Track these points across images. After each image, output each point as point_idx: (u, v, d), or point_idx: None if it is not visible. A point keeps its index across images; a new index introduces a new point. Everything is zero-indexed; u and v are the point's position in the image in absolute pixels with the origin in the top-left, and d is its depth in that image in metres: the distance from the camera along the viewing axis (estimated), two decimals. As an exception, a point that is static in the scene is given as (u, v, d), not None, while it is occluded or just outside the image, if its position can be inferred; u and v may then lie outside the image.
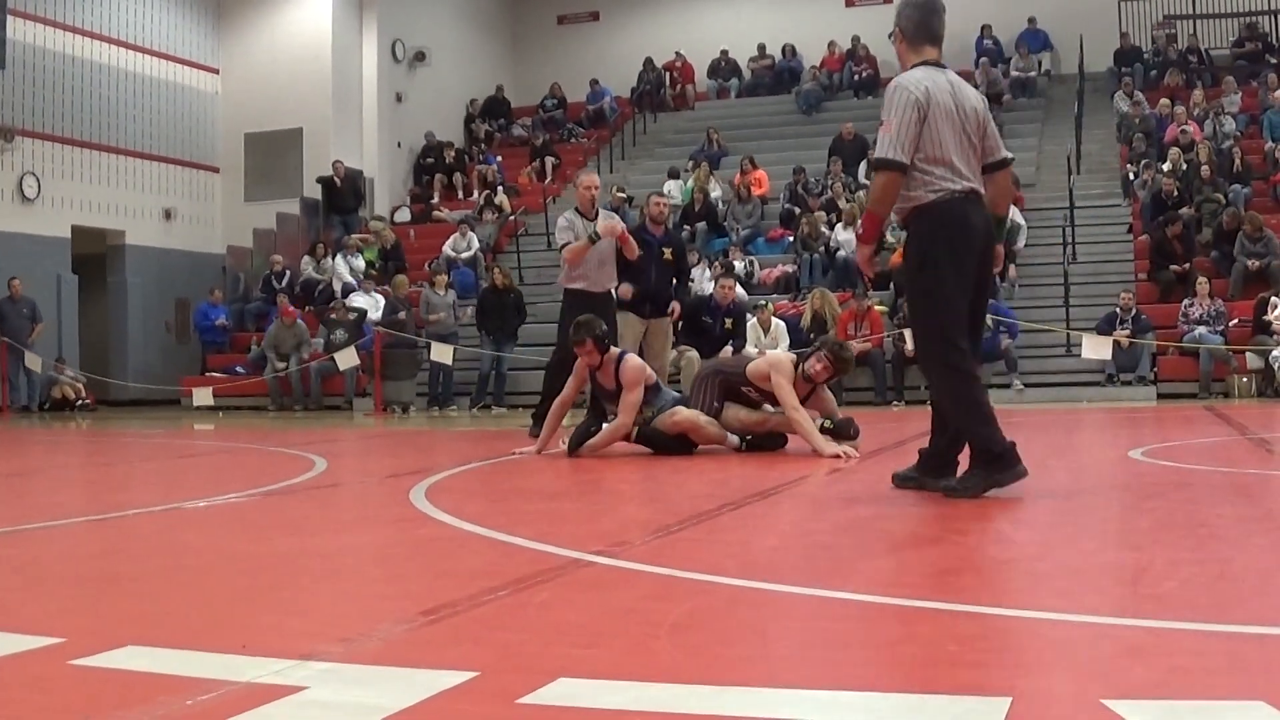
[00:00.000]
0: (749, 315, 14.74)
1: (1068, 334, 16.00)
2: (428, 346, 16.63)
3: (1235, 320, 15.73)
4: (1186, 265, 16.76)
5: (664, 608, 2.97)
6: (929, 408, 5.34)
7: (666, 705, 2.10)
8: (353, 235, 20.81)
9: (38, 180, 19.32)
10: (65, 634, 2.68)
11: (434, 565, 3.82)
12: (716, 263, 17.59)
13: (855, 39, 24.49)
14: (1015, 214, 18.43)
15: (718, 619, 2.88)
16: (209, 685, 2.25)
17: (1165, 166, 18.77)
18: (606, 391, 7.83)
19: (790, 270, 18.27)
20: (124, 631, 2.73)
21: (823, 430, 7.43)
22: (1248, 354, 15.18)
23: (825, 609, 2.98)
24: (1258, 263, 16.39)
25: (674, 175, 21.28)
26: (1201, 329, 15.52)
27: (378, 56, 23.27)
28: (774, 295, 17.43)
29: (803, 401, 7.50)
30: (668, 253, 9.78)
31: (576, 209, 9.34)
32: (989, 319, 14.93)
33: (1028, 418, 11.96)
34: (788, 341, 14.86)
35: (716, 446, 7.76)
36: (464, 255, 20.07)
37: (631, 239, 9.24)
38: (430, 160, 24.17)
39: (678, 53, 25.98)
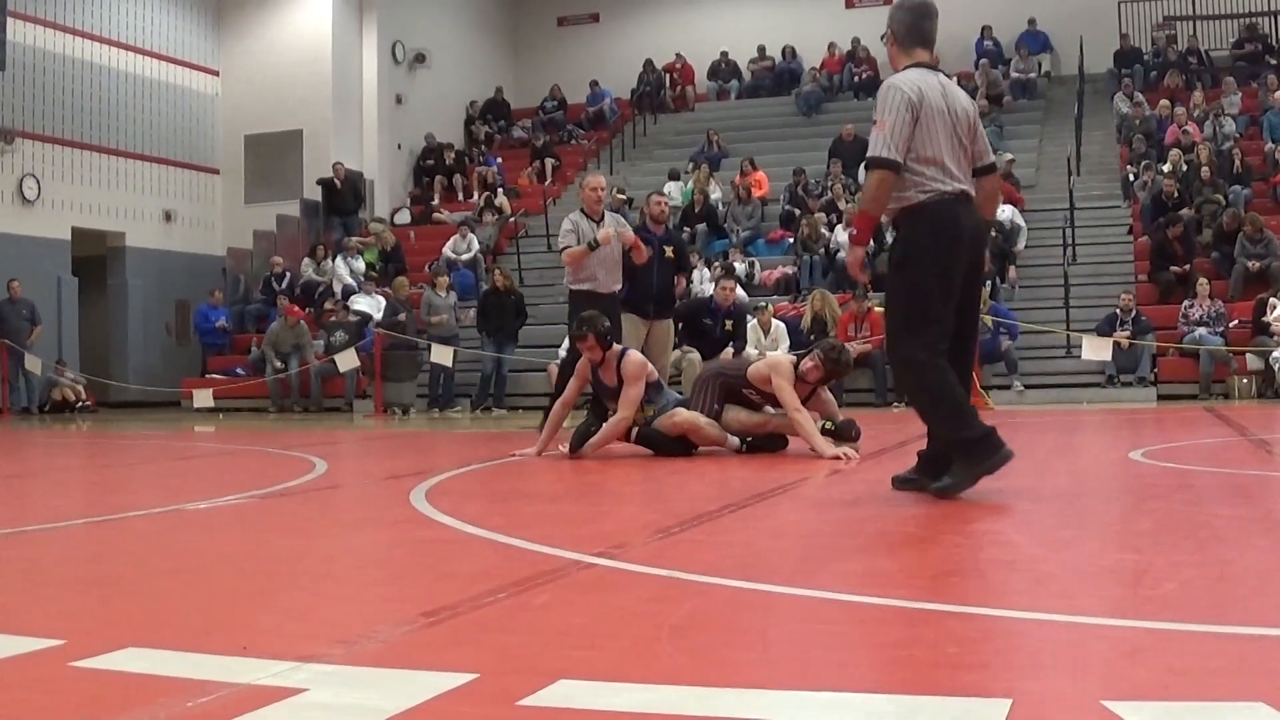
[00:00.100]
0: (749, 317, 14.74)
1: (1068, 335, 16.00)
2: (428, 348, 16.64)
3: (1235, 321, 15.74)
4: (1187, 267, 16.76)
5: (664, 609, 2.97)
6: None
7: (667, 707, 2.10)
8: (353, 237, 20.81)
9: (38, 182, 19.32)
10: (66, 636, 2.68)
11: (434, 567, 3.82)
12: (716, 264, 17.59)
13: (855, 40, 24.50)
14: (1015, 215, 18.46)
15: (718, 621, 2.88)
16: (209, 687, 2.25)
17: (1165, 168, 18.77)
18: (608, 389, 7.84)
19: (790, 272, 18.28)
20: (124, 633, 2.73)
21: (824, 432, 7.43)
22: (1248, 355, 15.19)
23: (826, 611, 2.98)
24: (1258, 264, 16.40)
25: (674, 177, 21.29)
26: (1201, 330, 15.52)
27: (378, 58, 23.28)
28: (774, 297, 17.44)
29: (803, 403, 7.51)
30: (669, 250, 9.81)
31: (582, 210, 9.35)
32: (989, 320, 15.13)
33: (1028, 419, 11.97)
34: (788, 343, 14.86)
35: (717, 448, 7.77)
36: (464, 257, 20.08)
37: (643, 246, 9.26)
38: (430, 162, 24.18)
39: (678, 54, 26.00)
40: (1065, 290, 16.53)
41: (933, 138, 4.90)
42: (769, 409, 7.79)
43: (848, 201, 18.79)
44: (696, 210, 19.83)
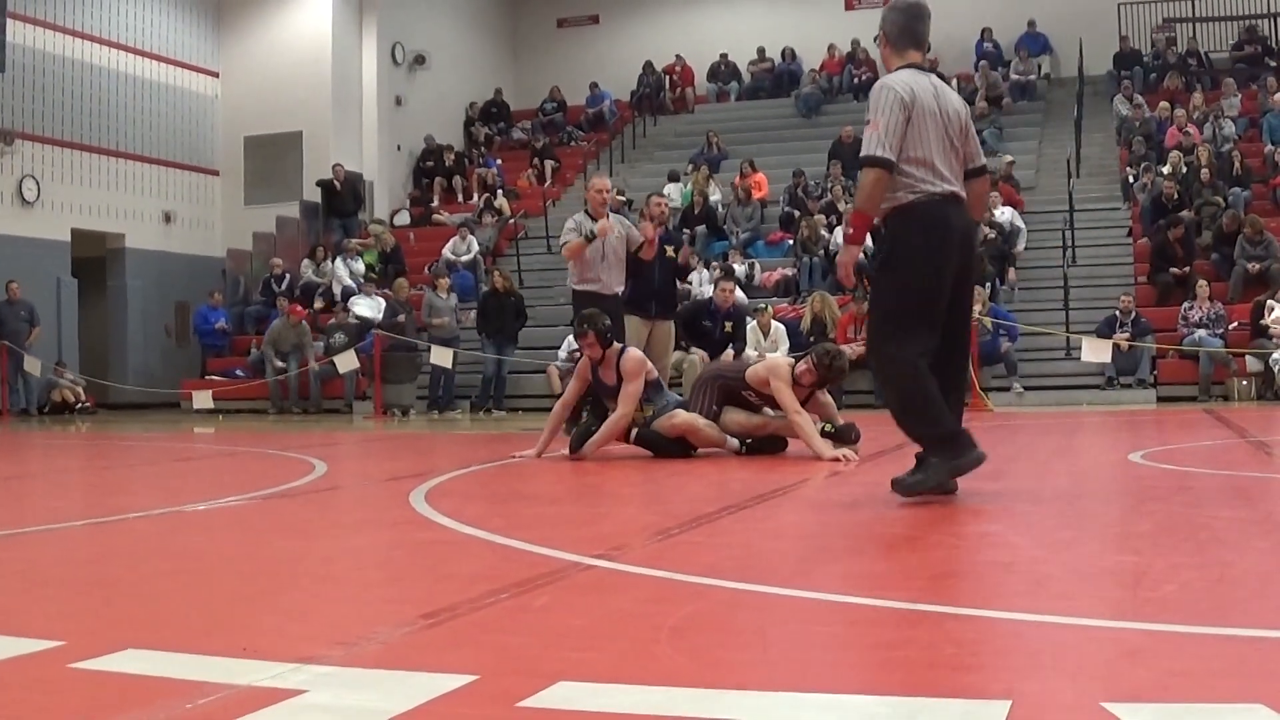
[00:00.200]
0: (749, 318, 14.75)
1: (1067, 337, 16.00)
2: (427, 350, 16.64)
3: (1235, 323, 15.74)
4: (1186, 268, 16.77)
5: (664, 611, 2.97)
6: None
7: (666, 708, 2.10)
8: (352, 239, 20.81)
9: (37, 183, 19.32)
10: (65, 637, 2.68)
11: (434, 569, 3.82)
12: (716, 265, 17.60)
13: (855, 42, 24.51)
14: (1015, 217, 18.47)
15: (717, 622, 2.88)
16: (209, 688, 2.25)
17: (1165, 169, 18.78)
18: (608, 388, 7.85)
19: (790, 273, 18.28)
20: (124, 635, 2.73)
21: (823, 435, 7.43)
22: (1247, 357, 15.19)
23: (825, 612, 2.98)
24: (1258, 265, 16.40)
25: (674, 178, 21.29)
26: (1201, 332, 15.52)
27: (377, 60, 23.28)
28: (774, 298, 17.44)
29: (801, 405, 7.51)
30: (669, 250, 9.83)
31: (586, 211, 9.36)
32: (989, 322, 15.14)
33: (1027, 421, 11.97)
34: (787, 345, 14.86)
35: (716, 449, 7.77)
36: (464, 258, 20.08)
37: (655, 239, 9.30)
38: (430, 163, 24.18)
39: (677, 56, 26.01)
40: (1065, 292, 16.53)
41: (923, 139, 4.90)
42: (768, 411, 7.80)
43: (847, 203, 18.78)
44: (696, 212, 19.83)
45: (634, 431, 7.77)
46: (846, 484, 6.04)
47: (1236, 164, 18.66)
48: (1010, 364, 15.69)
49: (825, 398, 7.84)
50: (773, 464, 7.20)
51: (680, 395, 8.49)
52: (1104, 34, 23.36)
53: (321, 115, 22.35)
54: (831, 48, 24.96)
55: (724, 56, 25.94)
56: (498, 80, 26.73)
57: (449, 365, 16.33)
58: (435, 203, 23.55)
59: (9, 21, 18.53)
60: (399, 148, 24.16)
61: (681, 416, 7.66)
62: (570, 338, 15.64)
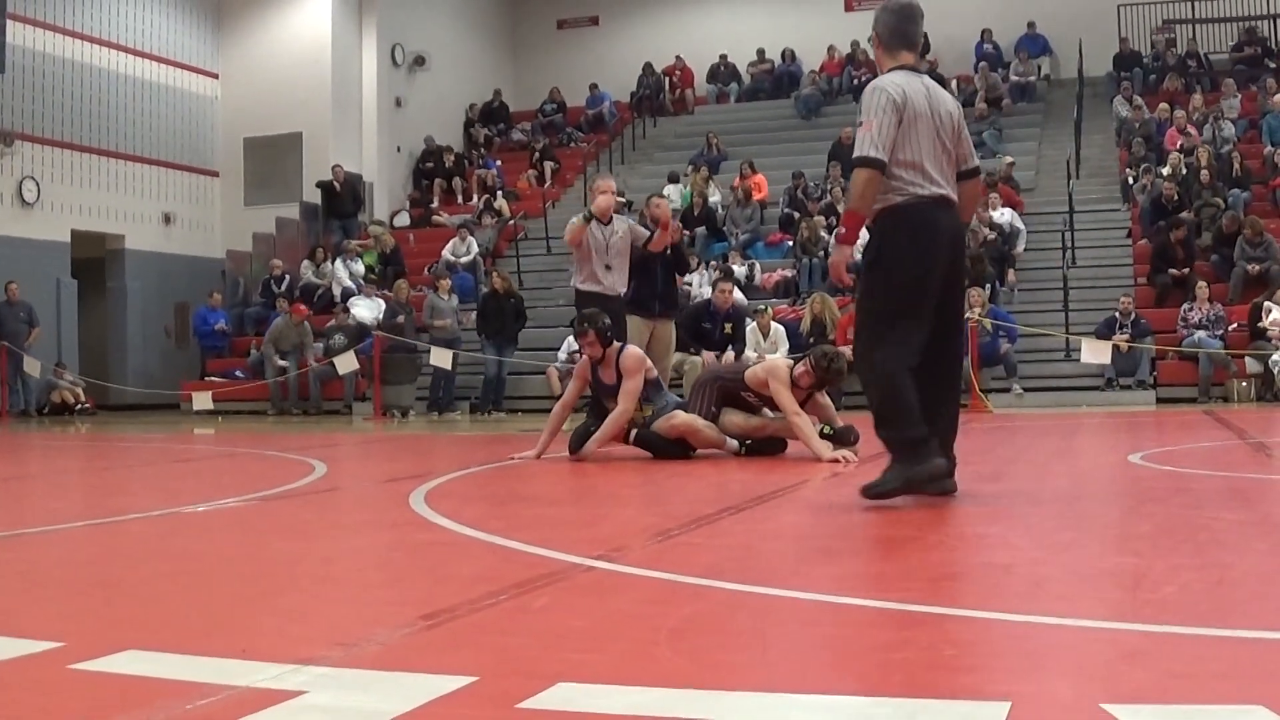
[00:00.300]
0: (748, 320, 14.75)
1: (1067, 338, 16.00)
2: (427, 351, 16.64)
3: (1234, 325, 15.74)
4: (1186, 270, 16.77)
5: (663, 612, 2.97)
6: None
7: (666, 710, 2.10)
8: (352, 240, 20.82)
9: (37, 184, 19.32)
10: (65, 638, 2.68)
11: (433, 570, 3.82)
12: (715, 266, 17.60)
13: (855, 44, 24.50)
14: (1014, 218, 18.48)
15: (717, 624, 2.88)
16: (208, 690, 2.25)
17: (1165, 171, 18.78)
18: (607, 387, 7.85)
19: (790, 274, 18.28)
20: (124, 636, 2.73)
21: (822, 436, 7.43)
22: (1247, 358, 15.19)
23: (824, 613, 2.99)
24: (1257, 267, 16.41)
25: (673, 180, 21.29)
26: (1201, 333, 15.52)
27: (377, 61, 23.28)
28: (773, 300, 17.44)
29: (800, 407, 7.51)
30: (669, 250, 9.85)
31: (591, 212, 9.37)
32: (988, 323, 15.14)
33: (1027, 422, 11.97)
34: (787, 346, 14.86)
35: (716, 451, 7.77)
36: (463, 260, 20.08)
37: (672, 225, 9.35)
38: (429, 165, 24.18)
39: (677, 57, 26.01)
40: (1064, 293, 16.53)
41: (914, 141, 4.91)
42: (767, 412, 7.80)
43: (846, 204, 18.79)
44: (695, 213, 19.83)
45: (633, 432, 7.78)
46: (846, 485, 6.04)
47: (1236, 165, 18.66)
48: (1010, 365, 15.69)
49: (824, 399, 7.84)
50: (772, 465, 7.21)
51: (680, 397, 8.48)
52: (1104, 35, 23.36)
53: (321, 116, 22.35)
54: (831, 49, 24.96)
55: (724, 58, 25.94)
56: (497, 81, 26.73)
57: (448, 366, 16.33)
58: (435, 204, 23.56)
59: (9, 22, 18.52)
60: (399, 149, 24.16)
61: (681, 417, 7.66)
62: (570, 339, 15.65)
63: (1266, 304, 15.40)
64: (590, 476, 6.95)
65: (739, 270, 17.89)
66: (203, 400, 17.31)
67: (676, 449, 7.67)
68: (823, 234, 18.33)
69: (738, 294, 14.87)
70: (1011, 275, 17.68)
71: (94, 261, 20.61)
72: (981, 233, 17.30)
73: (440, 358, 16.16)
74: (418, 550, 4.24)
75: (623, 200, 19.58)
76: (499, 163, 24.36)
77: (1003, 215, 18.29)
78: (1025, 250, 18.36)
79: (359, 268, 19.92)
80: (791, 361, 7.84)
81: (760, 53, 25.75)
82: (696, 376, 9.31)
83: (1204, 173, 18.19)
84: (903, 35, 5.18)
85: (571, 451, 7.77)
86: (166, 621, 2.99)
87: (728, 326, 13.07)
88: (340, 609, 3.20)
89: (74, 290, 19.86)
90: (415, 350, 17.24)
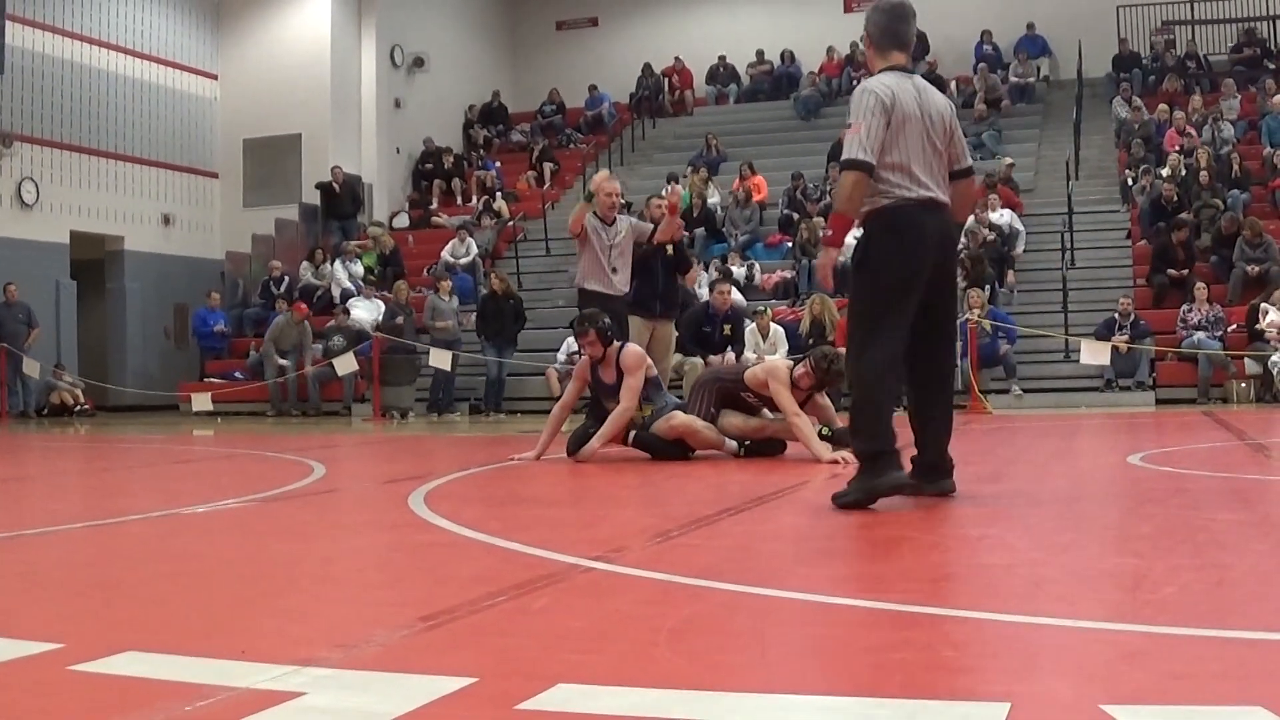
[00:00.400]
0: (747, 321, 14.75)
1: (1066, 339, 16.00)
2: (426, 352, 16.63)
3: (1234, 326, 15.74)
4: (1185, 271, 16.77)
5: (662, 613, 2.97)
6: (908, 416, 5.30)
7: (665, 710, 2.10)
8: (351, 241, 20.82)
9: (36, 185, 19.31)
10: (65, 639, 2.68)
11: (432, 571, 3.82)
12: (713, 267, 17.59)
13: (854, 45, 24.44)
14: (1014, 219, 18.48)
15: (716, 624, 2.88)
16: (208, 691, 2.25)
17: (1164, 172, 18.78)
18: (607, 387, 7.85)
19: (789, 276, 18.28)
20: (123, 637, 2.73)
21: (821, 438, 7.44)
22: (1246, 359, 15.19)
23: (823, 614, 2.99)
24: (1257, 268, 16.41)
25: (672, 181, 21.26)
26: (1200, 334, 15.52)
27: (376, 62, 23.28)
28: (772, 301, 17.44)
29: (800, 408, 7.51)
30: (669, 249, 9.87)
31: (594, 213, 9.38)
32: (988, 324, 15.14)
33: (1026, 423, 11.97)
34: (786, 347, 14.85)
35: (715, 452, 7.77)
36: (462, 261, 20.07)
37: (678, 218, 9.38)
38: (429, 166, 24.18)
39: (676, 58, 26.01)
40: (1064, 294, 16.53)
41: (902, 143, 4.90)
42: (766, 413, 7.80)
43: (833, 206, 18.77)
44: (695, 214, 19.83)
45: (632, 434, 7.77)
46: (845, 486, 6.04)
47: (1235, 166, 18.66)
48: (1009, 366, 15.69)
49: (824, 400, 7.84)
50: (771, 466, 7.21)
51: (679, 399, 8.48)
52: (1103, 36, 23.36)
53: (320, 118, 22.35)
54: (830, 50, 24.95)
55: (723, 59, 25.94)
56: (496, 83, 26.73)
57: (447, 368, 16.33)
58: (434, 205, 23.56)
59: (8, 23, 18.52)
60: (398, 150, 24.16)
61: (679, 418, 7.66)
62: (569, 340, 15.64)
63: (1263, 305, 15.40)
64: (589, 477, 6.95)
65: (738, 271, 17.89)
66: (202, 401, 17.31)
67: (675, 450, 7.67)
68: (821, 235, 18.33)
69: (736, 295, 14.88)
70: (1011, 276, 17.69)
71: (93, 263, 20.61)
72: (981, 234, 17.30)
73: (439, 359, 16.16)
74: (417, 551, 4.24)
75: (621, 201, 19.66)
76: (498, 164, 24.36)
77: (1002, 216, 18.29)
78: (1024, 251, 18.37)
79: (358, 269, 19.92)
80: (791, 363, 7.84)
81: (759, 54, 25.76)
82: (696, 377, 9.31)
83: (1203, 174, 18.19)
84: (894, 35, 5.17)
85: (570, 453, 7.77)
86: (166, 623, 2.99)
87: (726, 328, 13.07)
88: (340, 610, 3.20)
89: (73, 291, 19.86)
90: (414, 351, 17.24)
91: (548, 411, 9.69)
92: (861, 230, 5.09)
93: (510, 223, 22.09)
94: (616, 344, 7.85)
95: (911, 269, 4.88)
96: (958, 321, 5.77)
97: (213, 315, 19.87)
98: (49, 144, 19.64)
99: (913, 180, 4.91)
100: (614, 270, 9.11)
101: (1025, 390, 15.63)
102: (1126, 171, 19.92)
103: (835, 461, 7.00)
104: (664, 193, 9.84)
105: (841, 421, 7.82)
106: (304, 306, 18.44)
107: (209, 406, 17.23)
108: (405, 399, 16.92)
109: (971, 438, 9.72)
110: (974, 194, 5.56)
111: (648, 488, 6.44)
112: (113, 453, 10.92)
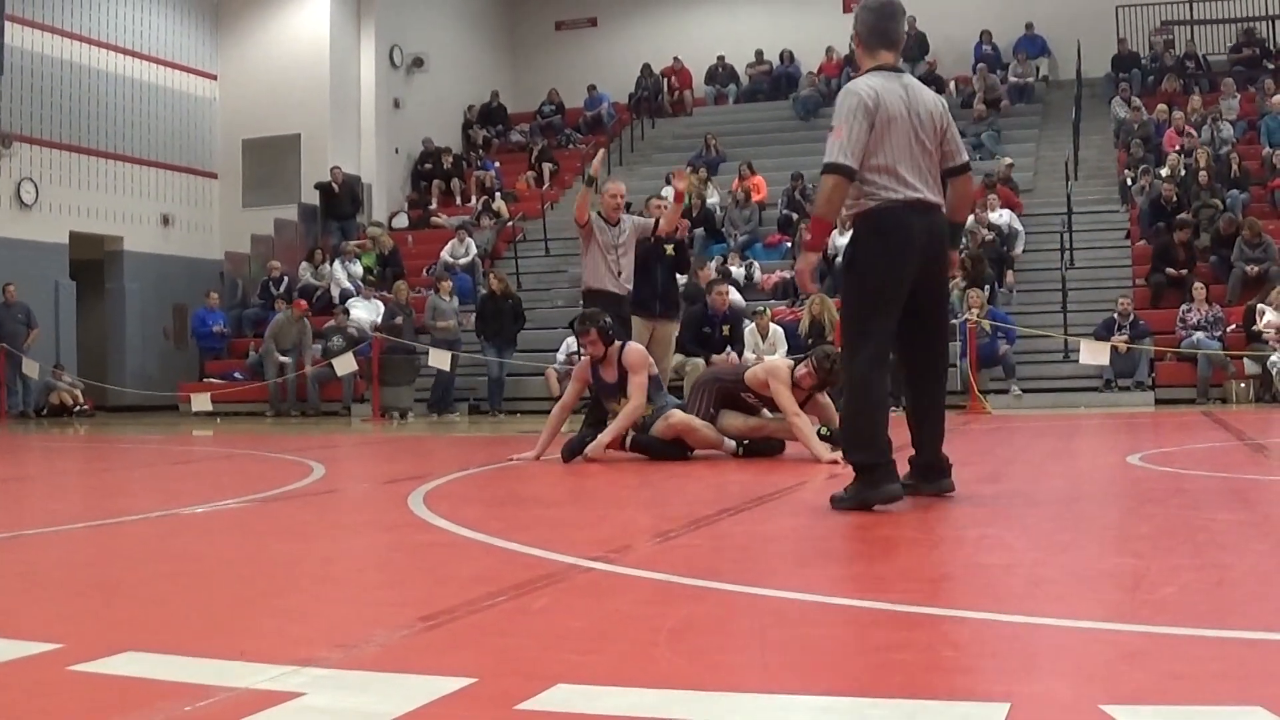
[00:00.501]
0: (747, 321, 14.76)
1: (1065, 339, 16.00)
2: (425, 352, 16.63)
3: (1233, 326, 15.74)
4: (1185, 271, 16.77)
5: (662, 613, 2.97)
6: (906, 415, 5.30)
7: (665, 711, 2.10)
8: (350, 241, 20.82)
9: (35, 186, 19.31)
10: (64, 640, 2.68)
11: (432, 571, 3.82)
12: (712, 266, 17.59)
13: (853, 45, 24.48)
14: (1013, 220, 18.48)
15: (716, 624, 2.88)
16: (207, 691, 2.25)
17: (1164, 172, 18.78)
18: (609, 386, 7.85)
19: (788, 276, 18.25)
20: (123, 637, 2.73)
21: (821, 438, 7.44)
22: (1245, 359, 15.19)
23: (823, 614, 2.99)
24: (1256, 268, 16.41)
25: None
26: (1199, 334, 15.52)
27: (375, 62, 23.28)
28: (772, 301, 17.44)
29: (799, 408, 7.51)
30: (669, 250, 9.87)
31: (599, 213, 9.39)
32: (987, 325, 15.14)
33: (1025, 423, 11.97)
34: (786, 348, 14.86)
35: (714, 452, 7.77)
36: (462, 261, 20.07)
37: (678, 219, 9.48)
38: (428, 166, 24.17)
39: (675, 58, 26.00)
40: (1063, 294, 16.54)
41: (886, 145, 4.88)
42: (766, 413, 7.80)
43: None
44: (694, 214, 19.81)
45: (629, 437, 7.75)
46: (844, 487, 6.04)
47: (1234, 166, 18.65)
48: (1008, 366, 15.69)
49: (824, 399, 7.85)
50: (770, 467, 7.21)
51: (679, 399, 8.48)
52: (1102, 36, 23.37)
53: (319, 118, 22.34)
54: (829, 50, 24.93)
55: (721, 59, 25.94)
56: (496, 83, 26.73)
57: (448, 368, 16.33)
58: (433, 205, 23.55)
59: (7, 24, 18.51)
60: (397, 150, 24.15)
61: (677, 416, 7.66)
62: (569, 340, 15.65)
63: (1259, 306, 15.40)
64: (589, 478, 6.95)
65: (737, 272, 17.88)
66: (201, 402, 17.31)
67: (674, 450, 7.66)
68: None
69: (735, 295, 14.88)
70: (1010, 276, 17.69)
71: (92, 263, 20.60)
72: (980, 234, 17.30)
73: (439, 359, 16.15)
74: (417, 551, 4.24)
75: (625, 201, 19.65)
76: (497, 164, 24.35)
77: (1001, 216, 18.29)
78: (1024, 251, 18.37)
79: (357, 269, 19.92)
80: (792, 362, 7.84)
81: (758, 54, 25.76)
82: (695, 378, 9.31)
83: (1202, 174, 18.19)
84: (883, 33, 5.13)
85: (565, 459, 7.73)
86: (165, 623, 2.99)
87: (725, 328, 13.07)
88: (339, 610, 3.20)
89: (72, 292, 19.86)
90: (414, 352, 17.23)
91: (547, 412, 9.69)
92: (851, 233, 5.09)
93: (509, 223, 22.09)
94: (618, 343, 7.85)
95: (898, 270, 4.87)
96: (950, 320, 5.76)
97: (212, 315, 19.87)
98: (48, 144, 19.64)
99: (899, 181, 4.89)
100: (619, 271, 9.13)
101: (1024, 390, 15.63)
102: (1126, 171, 19.92)
103: (835, 462, 6.99)
104: (649, 206, 9.85)
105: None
106: (303, 303, 18.45)
107: (208, 407, 17.23)
108: (404, 399, 16.91)
109: (971, 438, 9.73)
110: (972, 191, 5.53)
111: (647, 488, 6.44)
112: (112, 453, 10.92)
